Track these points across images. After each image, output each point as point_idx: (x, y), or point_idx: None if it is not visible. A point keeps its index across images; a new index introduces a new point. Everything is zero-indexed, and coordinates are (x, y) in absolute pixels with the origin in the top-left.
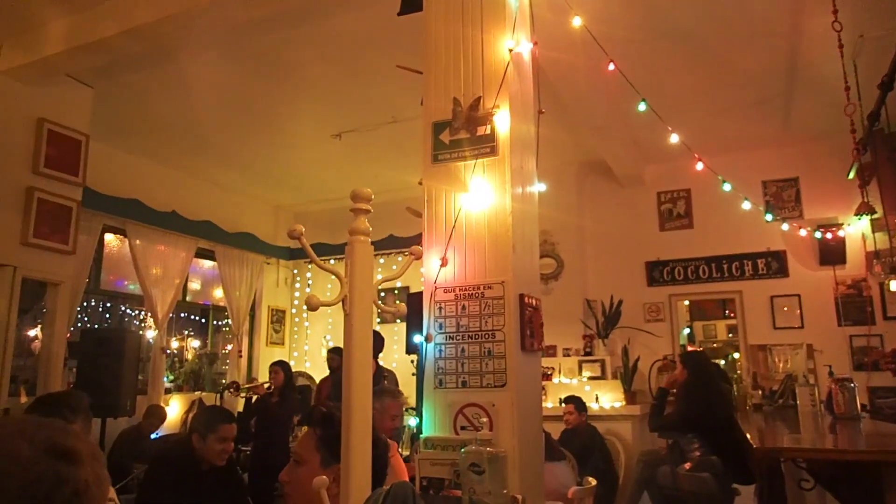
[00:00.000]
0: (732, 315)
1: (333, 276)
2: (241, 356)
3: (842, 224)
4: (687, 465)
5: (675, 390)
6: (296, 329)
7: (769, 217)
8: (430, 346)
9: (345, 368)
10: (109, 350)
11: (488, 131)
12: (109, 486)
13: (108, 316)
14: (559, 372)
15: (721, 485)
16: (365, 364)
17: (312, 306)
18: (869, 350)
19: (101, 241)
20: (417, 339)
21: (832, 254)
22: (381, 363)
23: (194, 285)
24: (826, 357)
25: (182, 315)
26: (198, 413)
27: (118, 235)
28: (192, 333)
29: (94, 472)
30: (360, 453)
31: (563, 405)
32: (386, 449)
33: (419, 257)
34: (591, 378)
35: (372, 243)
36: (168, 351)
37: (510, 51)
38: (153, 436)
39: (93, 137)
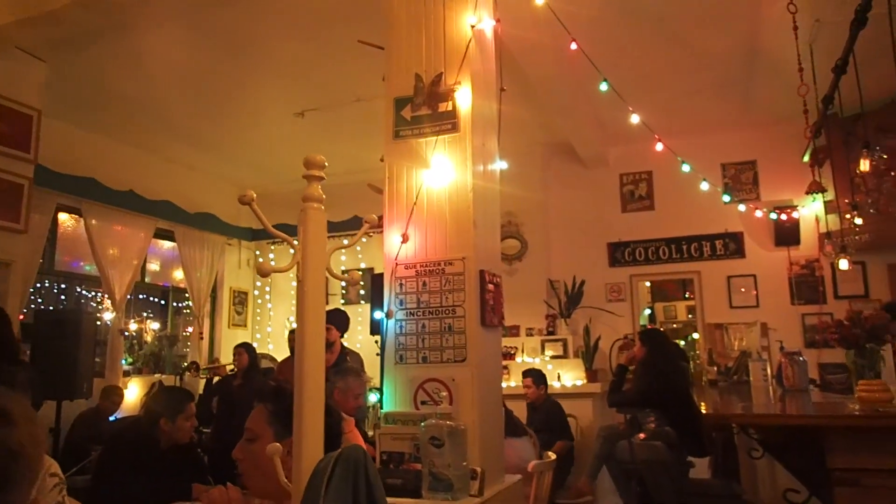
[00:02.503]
0: (692, 296)
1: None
2: (202, 338)
3: (796, 206)
4: (641, 436)
5: (633, 367)
6: (258, 311)
7: (727, 198)
8: (391, 322)
9: (298, 335)
10: (65, 332)
11: (450, 108)
12: (46, 448)
13: (63, 297)
14: (522, 351)
15: (674, 454)
16: (318, 331)
17: (263, 272)
18: (820, 327)
19: (55, 220)
20: (378, 315)
21: (787, 235)
22: (345, 344)
23: (153, 266)
24: (779, 335)
25: (141, 296)
26: (158, 397)
27: (73, 215)
28: (151, 315)
29: (30, 434)
30: (312, 418)
31: (523, 379)
32: (339, 419)
33: (375, 226)
34: (553, 357)
35: (336, 224)
36: (126, 333)
37: (472, 27)
38: (111, 418)
39: (46, 113)
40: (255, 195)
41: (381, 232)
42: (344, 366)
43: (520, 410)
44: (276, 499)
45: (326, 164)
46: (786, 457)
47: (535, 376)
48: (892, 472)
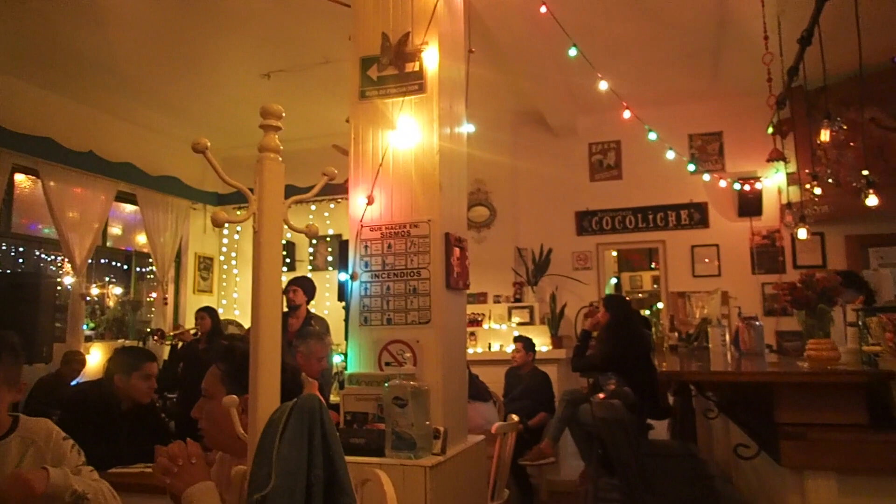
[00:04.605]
0: (658, 266)
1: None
2: (166, 304)
3: (760, 177)
4: (601, 395)
5: (597, 333)
6: (225, 277)
7: (691, 167)
8: (356, 284)
9: (254, 287)
10: (23, 295)
11: (417, 68)
12: None
13: (21, 261)
14: (489, 318)
15: (633, 413)
16: (274, 283)
17: (218, 222)
18: (776, 290)
19: (11, 181)
20: (343, 277)
21: (750, 206)
22: (312, 310)
23: (115, 230)
24: (740, 303)
25: (103, 261)
26: (115, 355)
27: (30, 176)
28: (113, 280)
29: None
30: (268, 372)
31: (514, 343)
32: (295, 374)
33: (332, 178)
34: (520, 324)
35: (304, 190)
36: (88, 298)
37: None
38: (73, 383)
39: None
40: (208, 143)
41: (347, 198)
42: (306, 330)
43: (492, 376)
44: (235, 453)
45: (284, 113)
46: (738, 414)
47: (526, 342)
48: (835, 426)
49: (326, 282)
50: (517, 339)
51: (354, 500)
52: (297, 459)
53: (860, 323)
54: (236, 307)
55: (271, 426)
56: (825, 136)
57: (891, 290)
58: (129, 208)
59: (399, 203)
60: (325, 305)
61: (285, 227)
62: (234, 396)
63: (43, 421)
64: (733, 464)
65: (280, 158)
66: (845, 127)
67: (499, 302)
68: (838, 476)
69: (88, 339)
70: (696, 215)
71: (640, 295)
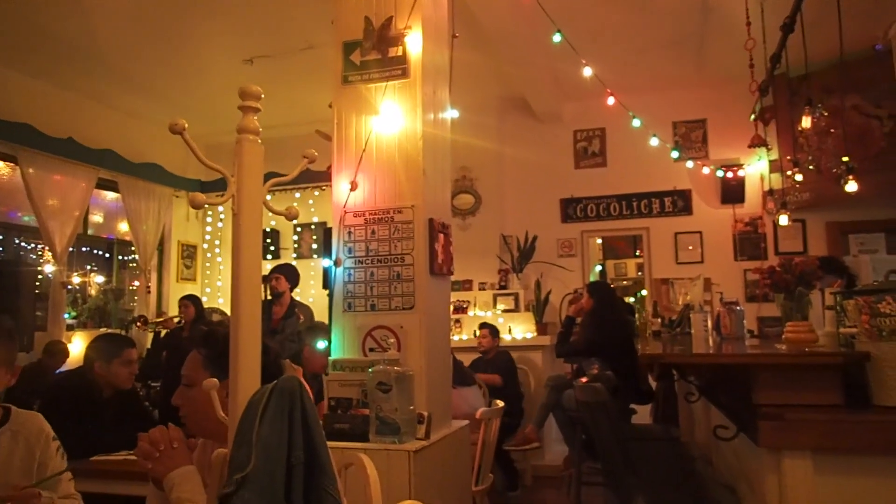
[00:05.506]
0: (642, 254)
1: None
2: (149, 292)
3: (742, 164)
4: (583, 379)
5: (580, 319)
6: (208, 265)
7: (675, 155)
8: (340, 270)
9: (233, 271)
10: (2, 284)
11: (400, 53)
12: None
13: (0, 249)
14: (475, 305)
15: (615, 397)
16: (254, 266)
17: (196, 204)
18: (759, 281)
19: None
20: (326, 262)
21: (733, 193)
22: (297, 298)
23: (96, 218)
24: (722, 290)
25: (84, 249)
26: (95, 343)
27: (8, 163)
28: (95, 268)
29: None
30: (248, 356)
31: (479, 330)
32: (276, 357)
33: (313, 161)
34: (505, 311)
35: (285, 175)
36: (69, 286)
37: None
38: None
39: None
40: (186, 124)
41: (331, 185)
42: (312, 324)
43: (469, 364)
44: (217, 438)
45: (263, 95)
46: (718, 397)
47: (492, 329)
48: (812, 406)
49: (311, 269)
50: (483, 326)
51: (335, 481)
52: (277, 440)
53: (838, 306)
54: (220, 295)
55: (251, 407)
56: (807, 122)
57: (869, 276)
58: (110, 196)
59: (383, 189)
60: (311, 293)
61: (268, 212)
62: (215, 379)
63: (35, 415)
64: (713, 446)
65: (259, 140)
66: (826, 114)
67: (484, 289)
68: (814, 456)
69: (70, 327)
70: (680, 202)
71: (624, 282)
